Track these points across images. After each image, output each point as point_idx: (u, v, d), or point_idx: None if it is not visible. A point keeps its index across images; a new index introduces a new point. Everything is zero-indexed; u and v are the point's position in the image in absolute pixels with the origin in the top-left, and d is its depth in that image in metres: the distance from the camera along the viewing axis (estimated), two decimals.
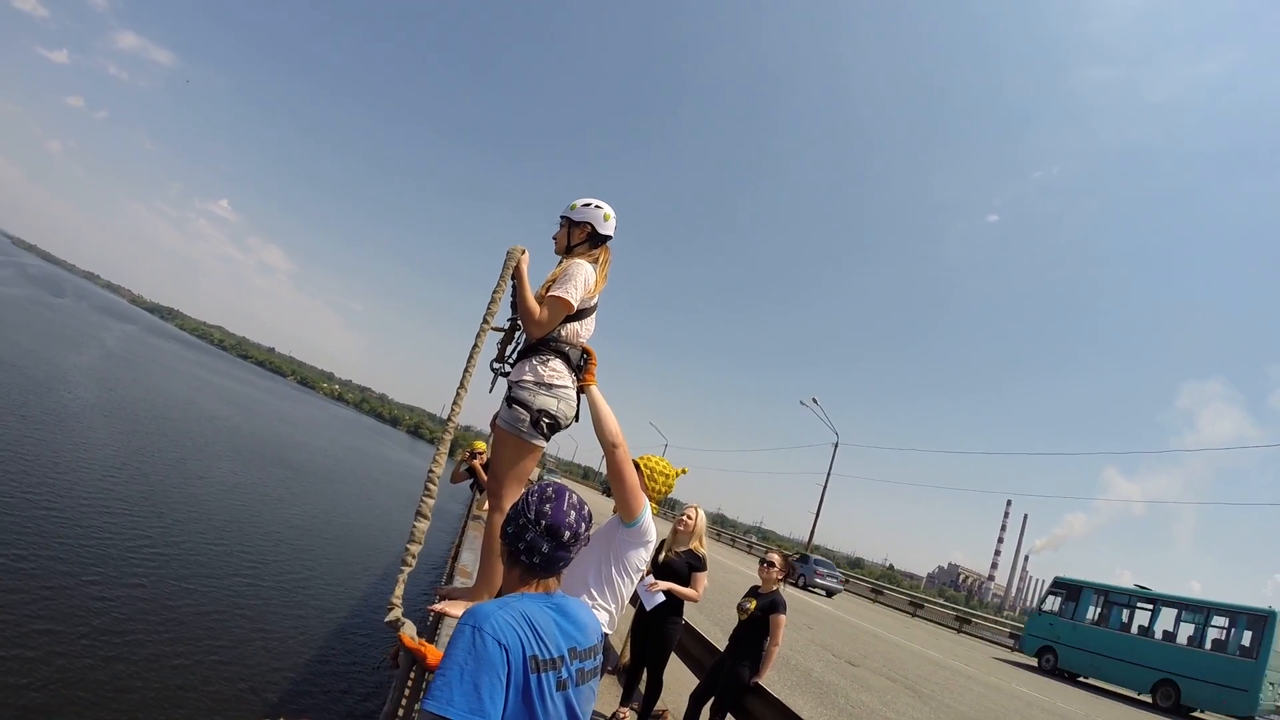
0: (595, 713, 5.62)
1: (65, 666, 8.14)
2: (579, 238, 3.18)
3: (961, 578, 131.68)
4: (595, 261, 3.15)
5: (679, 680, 6.49)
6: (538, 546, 1.68)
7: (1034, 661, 21.29)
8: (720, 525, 79.64)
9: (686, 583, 5.29)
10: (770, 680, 7.23)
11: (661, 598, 5.16)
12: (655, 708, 5.72)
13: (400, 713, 2.30)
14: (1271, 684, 15.62)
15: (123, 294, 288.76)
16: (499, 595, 1.78)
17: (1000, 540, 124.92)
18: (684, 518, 5.48)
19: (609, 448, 2.89)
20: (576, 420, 3.16)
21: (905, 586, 34.91)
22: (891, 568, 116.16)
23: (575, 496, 1.76)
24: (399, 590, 2.61)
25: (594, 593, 3.03)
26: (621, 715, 5.59)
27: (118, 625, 9.61)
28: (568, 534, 1.70)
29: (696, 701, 5.24)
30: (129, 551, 12.63)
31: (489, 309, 2.95)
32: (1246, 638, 16.29)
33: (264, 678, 9.99)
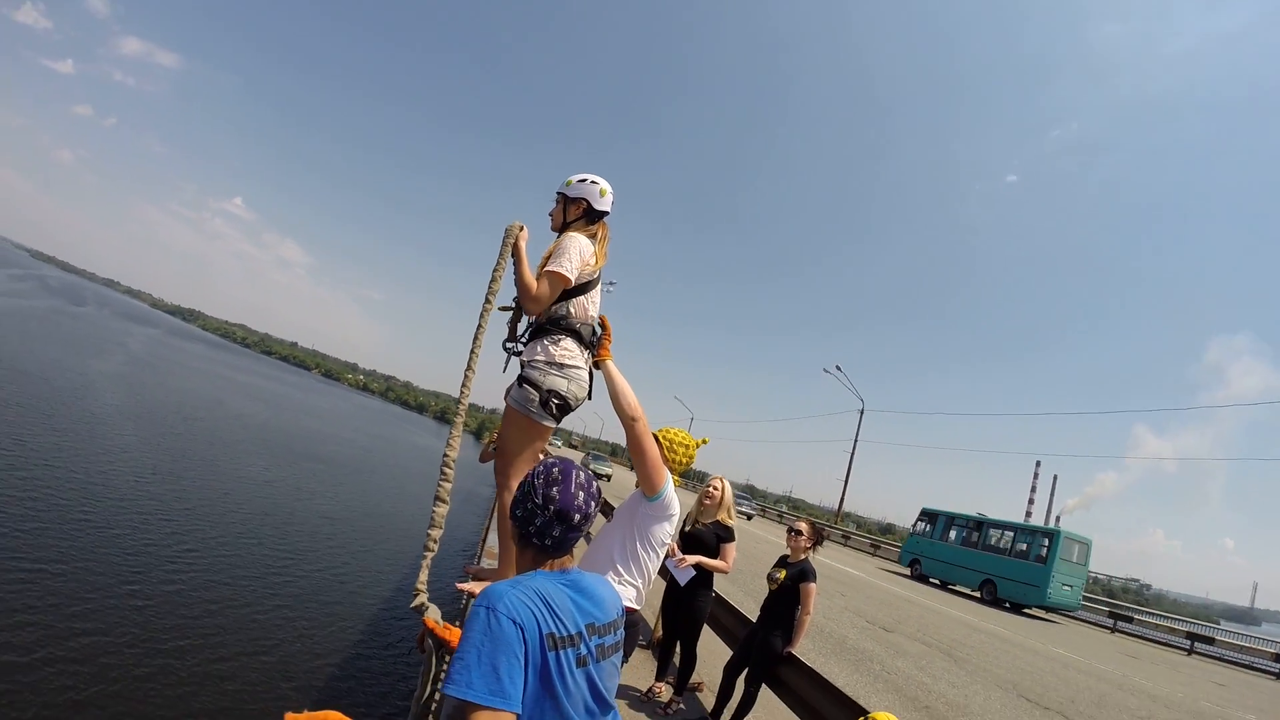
0: (630, 688, 5.65)
1: (107, 664, 8.28)
2: (575, 214, 3.13)
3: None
4: (593, 237, 3.10)
5: (713, 652, 6.49)
6: (549, 530, 1.67)
7: (908, 571, 27.85)
8: (750, 495, 79.70)
9: (715, 554, 5.26)
10: (805, 649, 7.23)
11: (693, 572, 5.15)
12: (690, 681, 5.72)
13: (429, 698, 2.29)
14: (1064, 585, 21.74)
15: (143, 299, 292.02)
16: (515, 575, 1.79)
17: (1030, 502, 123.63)
18: (709, 489, 5.42)
19: (628, 422, 2.86)
20: (590, 399, 3.12)
21: None
22: None
23: (582, 475, 1.74)
24: (423, 576, 2.58)
25: (619, 569, 3.02)
26: (657, 690, 5.60)
27: (157, 622, 9.75)
28: (578, 516, 1.68)
29: (730, 673, 5.20)
30: (165, 551, 12.80)
31: (490, 288, 2.90)
32: (1041, 550, 22.33)
33: (299, 666, 10.12)
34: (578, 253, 2.94)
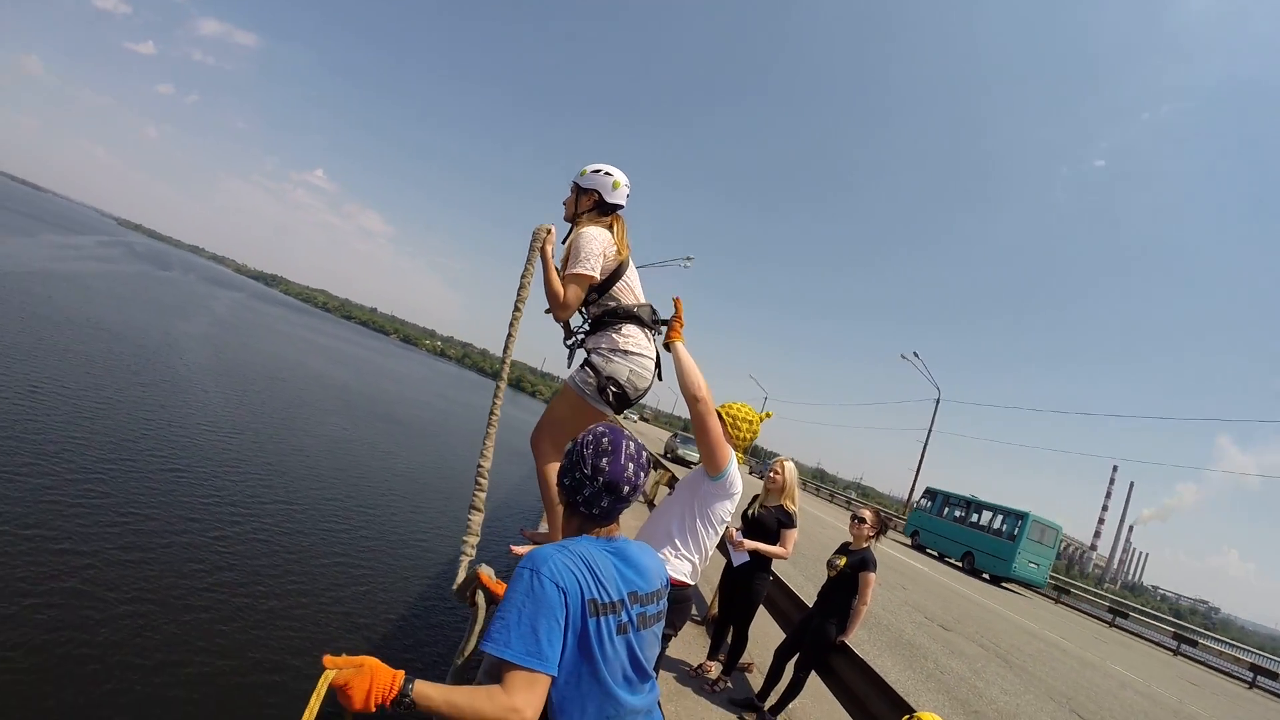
0: (681, 662, 5.72)
1: (183, 590, 9.03)
2: (586, 205, 3.10)
3: (1063, 545, 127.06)
4: (609, 229, 3.06)
5: (766, 634, 6.50)
6: (597, 501, 1.68)
7: (909, 540, 31.85)
8: (820, 480, 78.29)
9: (776, 538, 5.20)
10: (860, 639, 7.19)
11: (746, 556, 5.14)
12: (740, 661, 5.75)
13: (474, 652, 2.33)
14: (1030, 562, 25.02)
15: (227, 264, 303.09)
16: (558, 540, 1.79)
17: (1104, 509, 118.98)
18: (772, 473, 5.33)
19: (691, 401, 2.84)
20: (660, 379, 3.12)
21: None
22: None
23: (632, 445, 1.72)
24: (460, 578, 2.53)
25: (677, 543, 3.06)
26: (707, 668, 5.64)
27: (237, 573, 10.36)
28: (627, 488, 1.68)
29: (781, 656, 5.19)
30: (245, 505, 13.48)
31: (519, 294, 2.89)
32: (1014, 529, 25.36)
33: (350, 612, 10.66)
34: (598, 247, 2.92)
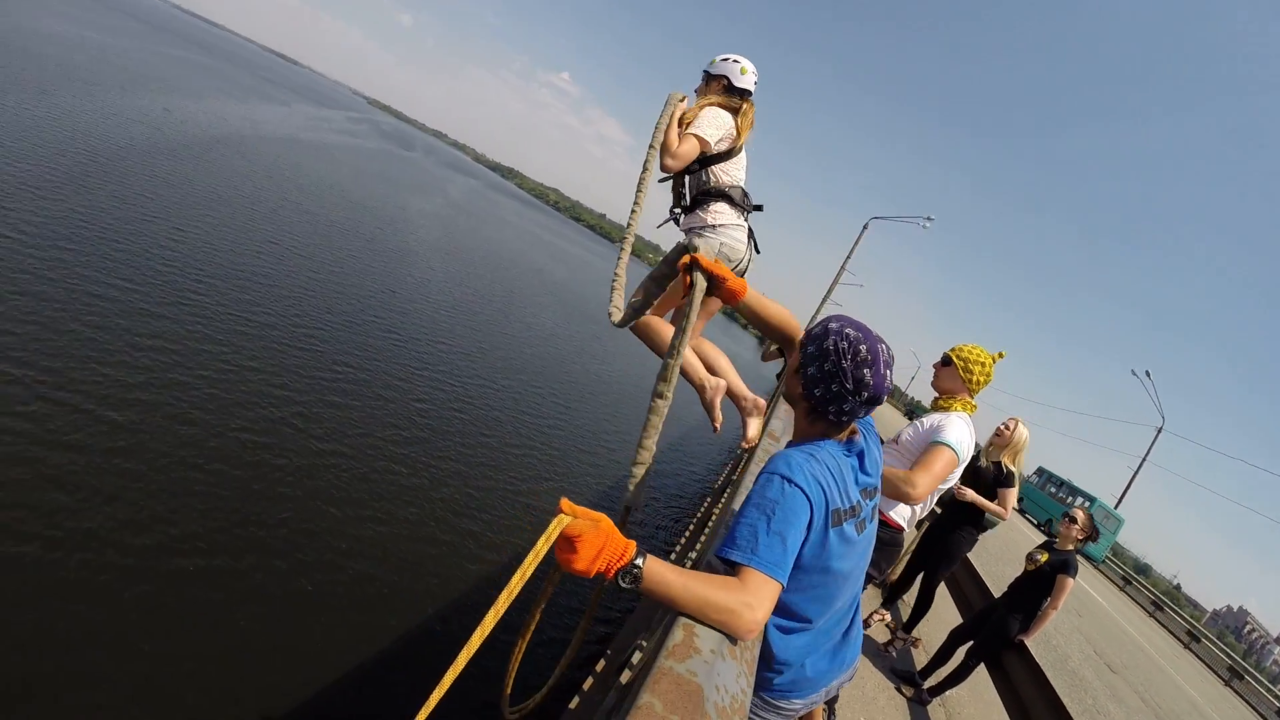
0: None
1: (385, 468, 9.68)
2: (715, 89, 3.18)
3: (1247, 629, 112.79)
4: (735, 111, 3.12)
5: (941, 618, 6.48)
6: (855, 414, 1.63)
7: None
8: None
9: (991, 495, 5.03)
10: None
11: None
12: (910, 634, 5.78)
13: (679, 347, 1.89)
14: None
15: (467, 152, 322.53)
16: (796, 444, 1.71)
17: None
18: (1003, 426, 5.06)
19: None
20: (758, 251, 3.16)
21: (1185, 613, 31.23)
22: (1178, 588, 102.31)
23: (882, 347, 1.62)
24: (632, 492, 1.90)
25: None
26: (879, 616, 5.73)
27: (434, 441, 11.24)
28: (885, 396, 1.62)
29: (955, 639, 5.17)
30: (450, 378, 14.52)
31: (649, 152, 2.92)
32: (1084, 504, 29.69)
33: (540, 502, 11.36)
34: (715, 120, 3.01)
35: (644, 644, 3.19)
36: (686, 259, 1.95)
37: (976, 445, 4.03)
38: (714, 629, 1.33)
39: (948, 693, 5.12)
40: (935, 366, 3.50)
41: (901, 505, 3.18)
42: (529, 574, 1.29)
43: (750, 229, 3.14)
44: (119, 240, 12.23)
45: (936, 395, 3.47)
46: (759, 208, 3.19)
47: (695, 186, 3.10)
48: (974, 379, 3.28)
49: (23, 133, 15.65)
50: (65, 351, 8.28)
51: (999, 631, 4.91)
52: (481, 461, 11.34)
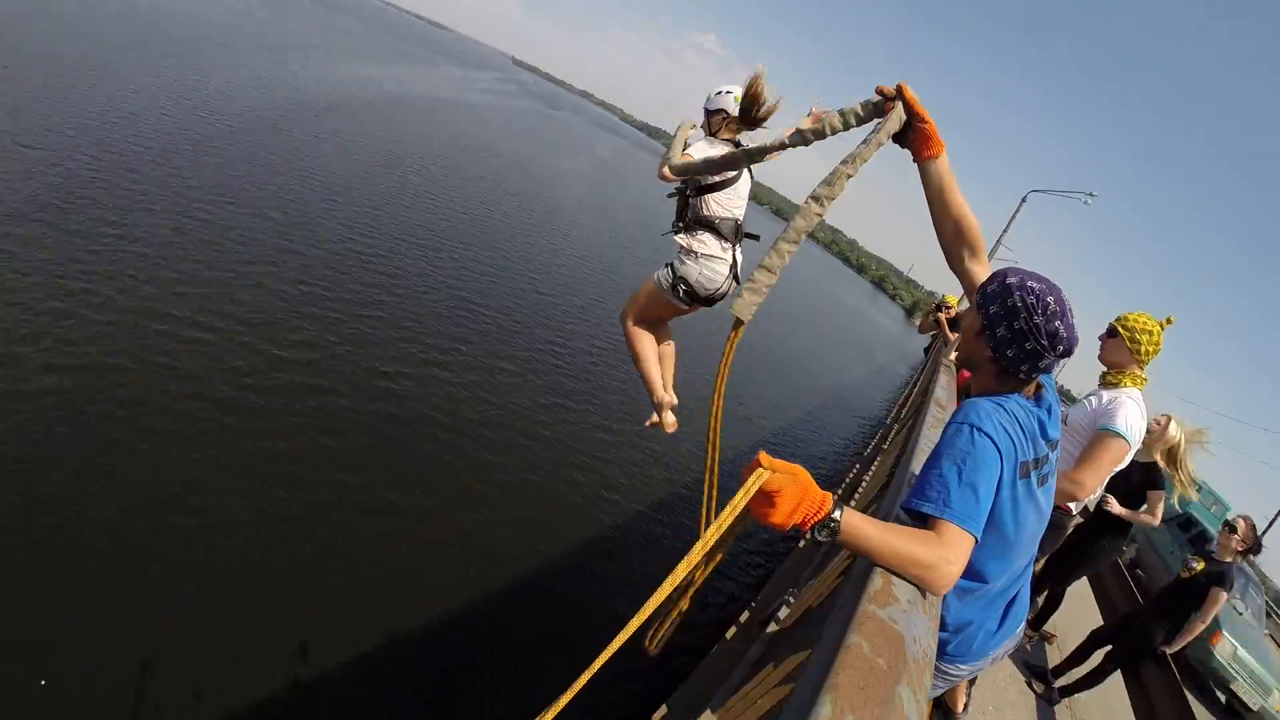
0: None
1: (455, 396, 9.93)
2: (716, 124, 3.17)
3: None
4: (730, 144, 3.10)
5: (1075, 614, 6.28)
6: (1049, 368, 1.61)
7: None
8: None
9: (1140, 497, 4.70)
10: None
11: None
12: (1044, 627, 5.67)
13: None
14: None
15: (614, 112, 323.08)
16: (981, 396, 1.64)
17: None
18: (1154, 422, 4.27)
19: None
20: (737, 281, 3.17)
21: None
22: None
23: (1063, 293, 1.57)
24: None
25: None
26: None
27: (547, 381, 11.66)
28: (1076, 348, 1.58)
29: (1094, 642, 5.03)
30: (579, 338, 14.38)
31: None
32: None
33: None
34: (696, 152, 3.01)
35: (791, 599, 3.38)
36: (897, 88, 1.66)
37: None
38: (909, 582, 1.32)
39: (1078, 695, 4.99)
40: (1101, 338, 3.32)
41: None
42: (725, 526, 1.30)
43: (735, 261, 3.21)
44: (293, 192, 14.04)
45: (1104, 369, 3.30)
46: (754, 237, 3.27)
47: (691, 212, 3.23)
48: (1142, 349, 3.12)
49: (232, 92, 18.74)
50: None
51: (1143, 639, 4.72)
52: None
